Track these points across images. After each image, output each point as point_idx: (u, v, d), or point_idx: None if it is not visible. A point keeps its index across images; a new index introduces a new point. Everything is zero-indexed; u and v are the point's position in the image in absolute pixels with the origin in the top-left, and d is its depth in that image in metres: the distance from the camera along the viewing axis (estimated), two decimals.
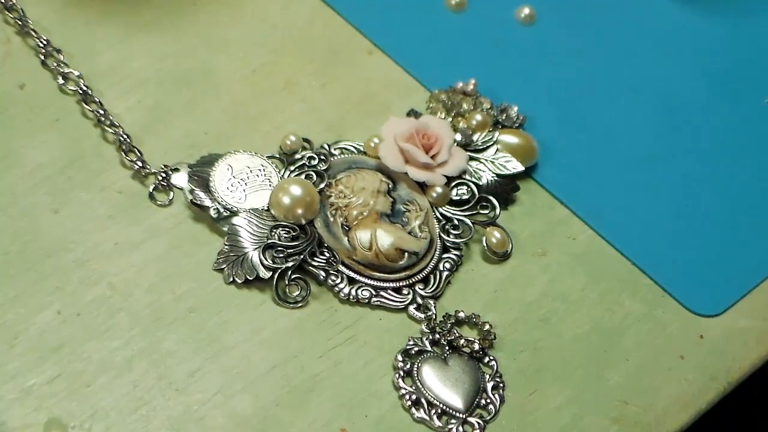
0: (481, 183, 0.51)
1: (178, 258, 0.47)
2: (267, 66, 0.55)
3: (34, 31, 0.53)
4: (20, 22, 0.54)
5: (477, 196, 0.50)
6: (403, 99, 0.55)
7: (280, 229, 0.47)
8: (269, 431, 0.43)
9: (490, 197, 0.50)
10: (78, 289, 0.45)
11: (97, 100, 0.51)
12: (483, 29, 0.59)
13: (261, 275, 0.46)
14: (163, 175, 0.49)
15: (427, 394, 0.44)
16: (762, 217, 0.52)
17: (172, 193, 0.49)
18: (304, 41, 0.56)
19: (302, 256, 0.46)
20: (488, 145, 0.52)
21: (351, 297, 0.47)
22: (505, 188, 0.51)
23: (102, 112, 0.51)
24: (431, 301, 0.47)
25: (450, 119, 0.53)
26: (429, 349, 0.46)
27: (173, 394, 0.43)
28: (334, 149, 0.51)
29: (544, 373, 0.46)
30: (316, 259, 0.47)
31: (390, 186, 0.49)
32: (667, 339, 0.47)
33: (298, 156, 0.51)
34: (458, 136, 0.52)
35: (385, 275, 0.47)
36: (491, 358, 0.46)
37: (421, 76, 0.56)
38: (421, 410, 0.44)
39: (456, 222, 0.50)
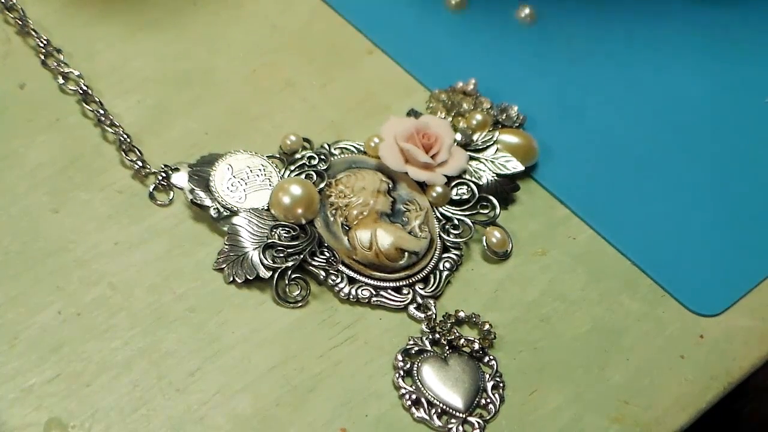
0: (481, 183, 0.51)
1: (178, 258, 0.47)
2: (267, 66, 0.55)
3: (34, 31, 0.53)
4: (20, 22, 0.54)
5: (477, 195, 0.50)
6: (403, 99, 0.55)
7: (280, 228, 0.47)
8: (269, 431, 0.43)
9: (490, 197, 0.50)
10: (78, 289, 0.45)
11: (97, 99, 0.51)
12: (483, 29, 0.59)
13: (261, 275, 0.46)
14: (164, 174, 0.49)
15: (427, 394, 0.44)
16: (762, 217, 0.52)
17: (172, 193, 0.49)
18: (304, 41, 0.57)
19: (302, 256, 0.46)
20: (488, 144, 0.52)
21: (351, 297, 0.47)
22: (505, 188, 0.51)
23: (102, 112, 0.51)
24: (431, 301, 0.47)
25: (450, 119, 0.53)
26: (429, 348, 0.46)
27: (173, 393, 0.43)
28: (334, 149, 0.51)
29: (544, 373, 0.46)
30: (316, 258, 0.47)
31: (390, 186, 0.49)
32: (667, 339, 0.47)
33: (298, 156, 0.51)
34: (458, 136, 0.52)
35: (385, 275, 0.47)
36: (491, 357, 0.46)
37: (421, 76, 0.56)
38: (421, 410, 0.44)
39: (456, 222, 0.50)
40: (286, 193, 0.47)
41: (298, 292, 0.46)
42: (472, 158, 0.51)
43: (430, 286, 0.48)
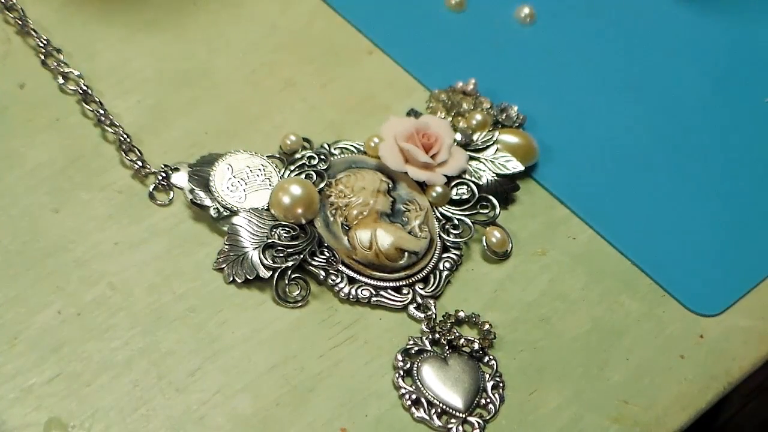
0: (481, 182, 0.51)
1: (178, 258, 0.47)
2: (267, 66, 0.55)
3: (34, 31, 0.53)
4: (20, 22, 0.54)
5: (477, 195, 0.50)
6: (403, 99, 0.55)
7: (280, 228, 0.47)
8: (269, 431, 0.43)
9: (490, 197, 0.50)
10: (78, 289, 0.45)
11: (97, 99, 0.51)
12: (483, 29, 0.59)
13: (261, 275, 0.46)
14: (163, 174, 0.49)
15: (427, 394, 0.44)
16: (762, 217, 0.52)
17: (172, 193, 0.49)
18: (304, 41, 0.57)
19: (302, 256, 0.46)
20: (488, 144, 0.52)
21: (351, 296, 0.47)
22: (505, 188, 0.51)
23: (102, 111, 0.51)
24: (431, 301, 0.47)
25: (450, 119, 0.53)
26: (429, 348, 0.46)
27: (173, 393, 0.43)
28: (334, 149, 0.51)
29: (544, 373, 0.46)
30: (316, 258, 0.47)
31: (390, 185, 0.49)
32: (667, 339, 0.47)
33: (298, 156, 0.51)
34: (458, 136, 0.52)
35: (385, 275, 0.47)
36: (491, 357, 0.46)
37: (421, 76, 0.56)
38: (421, 410, 0.44)
39: (456, 221, 0.50)
40: (286, 193, 0.47)
41: (298, 292, 0.46)
42: (472, 158, 0.51)
43: (430, 286, 0.48)
